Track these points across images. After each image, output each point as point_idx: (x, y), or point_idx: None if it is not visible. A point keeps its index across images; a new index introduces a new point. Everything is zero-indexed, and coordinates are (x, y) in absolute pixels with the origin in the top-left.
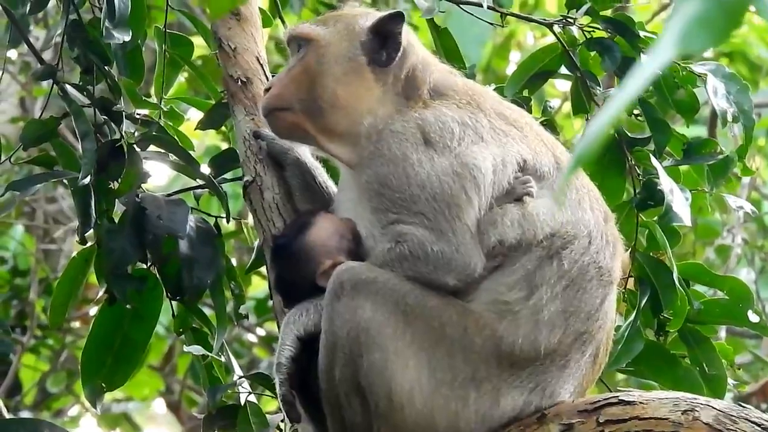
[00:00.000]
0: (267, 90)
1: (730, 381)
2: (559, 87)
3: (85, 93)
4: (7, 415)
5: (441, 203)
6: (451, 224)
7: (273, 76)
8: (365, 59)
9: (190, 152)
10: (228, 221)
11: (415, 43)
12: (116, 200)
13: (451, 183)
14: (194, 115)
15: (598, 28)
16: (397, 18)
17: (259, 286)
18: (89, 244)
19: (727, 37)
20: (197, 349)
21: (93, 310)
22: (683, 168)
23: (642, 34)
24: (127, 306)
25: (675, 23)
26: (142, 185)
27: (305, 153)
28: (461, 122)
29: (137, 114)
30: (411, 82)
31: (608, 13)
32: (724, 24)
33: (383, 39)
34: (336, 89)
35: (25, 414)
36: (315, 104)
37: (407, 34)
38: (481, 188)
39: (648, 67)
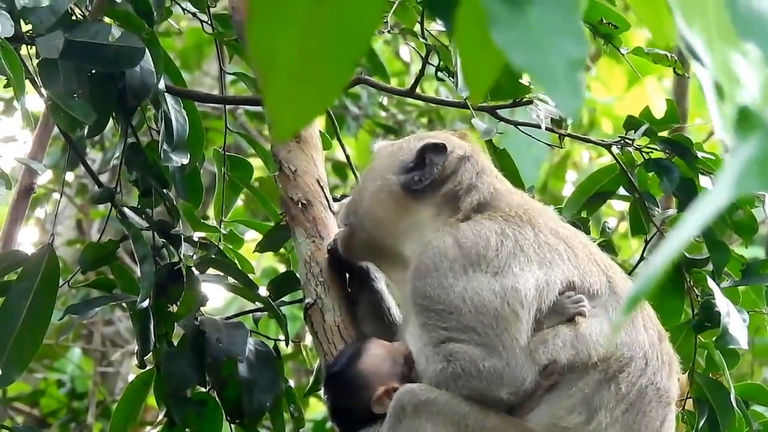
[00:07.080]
0: None
1: None
2: (616, 206)
3: (143, 216)
4: None
5: (486, 316)
6: (500, 338)
7: (333, 197)
8: (398, 180)
9: (250, 275)
10: (287, 345)
11: (472, 162)
12: (175, 323)
13: (492, 295)
14: (250, 236)
15: (656, 149)
16: (436, 147)
17: (317, 408)
18: (148, 367)
19: None
20: None
21: None
22: (741, 288)
23: (700, 155)
24: (187, 429)
25: (732, 165)
26: (201, 308)
27: (382, 284)
28: (501, 233)
29: (196, 237)
30: (455, 201)
31: (665, 133)
32: None
33: (421, 163)
34: (373, 207)
35: None
36: (360, 222)
37: (458, 156)
38: (522, 300)
39: (704, 212)
